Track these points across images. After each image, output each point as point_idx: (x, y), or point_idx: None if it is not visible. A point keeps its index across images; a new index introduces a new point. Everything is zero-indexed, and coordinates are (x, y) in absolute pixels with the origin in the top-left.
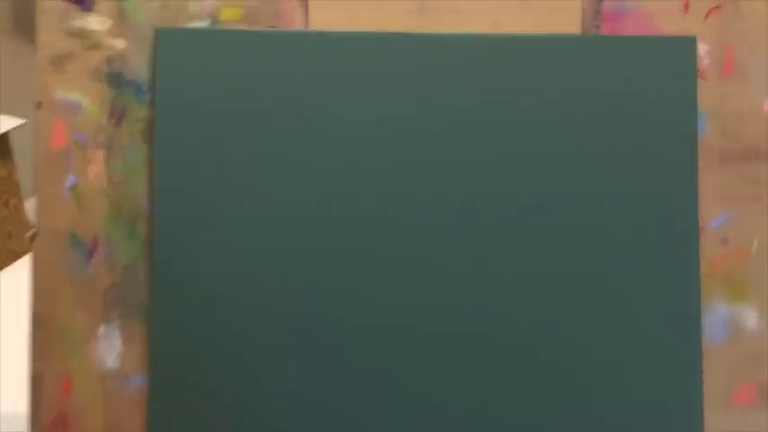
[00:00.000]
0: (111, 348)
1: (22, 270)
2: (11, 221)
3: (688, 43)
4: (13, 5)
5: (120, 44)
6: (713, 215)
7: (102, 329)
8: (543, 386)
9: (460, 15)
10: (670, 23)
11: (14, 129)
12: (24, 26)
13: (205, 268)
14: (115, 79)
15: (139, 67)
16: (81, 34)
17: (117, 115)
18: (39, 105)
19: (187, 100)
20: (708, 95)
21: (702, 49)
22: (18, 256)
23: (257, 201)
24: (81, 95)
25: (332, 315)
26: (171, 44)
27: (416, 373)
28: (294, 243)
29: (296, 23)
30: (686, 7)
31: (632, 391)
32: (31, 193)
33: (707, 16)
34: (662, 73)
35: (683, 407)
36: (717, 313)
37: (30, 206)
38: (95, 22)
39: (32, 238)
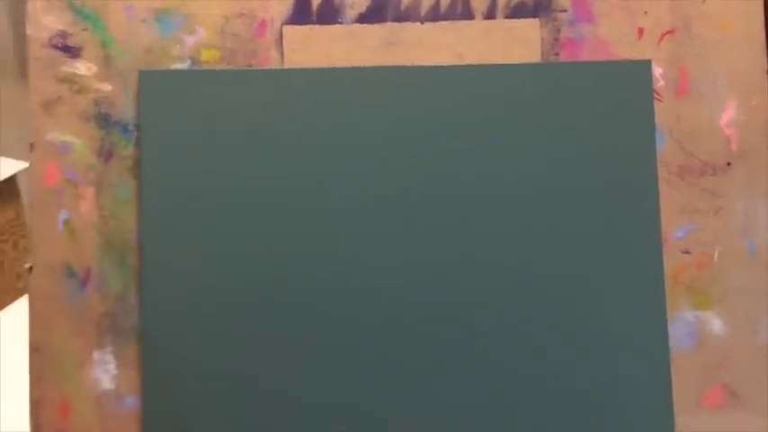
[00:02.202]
0: (105, 372)
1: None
2: (20, 262)
3: (643, 66)
4: (19, 54)
5: (106, 87)
6: (675, 227)
7: (96, 354)
8: (516, 395)
9: (425, 48)
10: (625, 49)
11: (22, 171)
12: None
13: (192, 294)
14: (103, 120)
15: (125, 108)
16: (70, 79)
17: (105, 154)
18: (31, 147)
19: (170, 137)
20: (665, 114)
21: (657, 71)
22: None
23: (239, 227)
24: (71, 136)
25: (323, 331)
26: (153, 85)
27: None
28: (275, 263)
29: (271, 62)
30: (640, 33)
31: (605, 396)
32: None
33: (660, 41)
34: (620, 95)
35: (655, 409)
36: (683, 321)
37: None
38: (83, 68)
39: (30, 270)
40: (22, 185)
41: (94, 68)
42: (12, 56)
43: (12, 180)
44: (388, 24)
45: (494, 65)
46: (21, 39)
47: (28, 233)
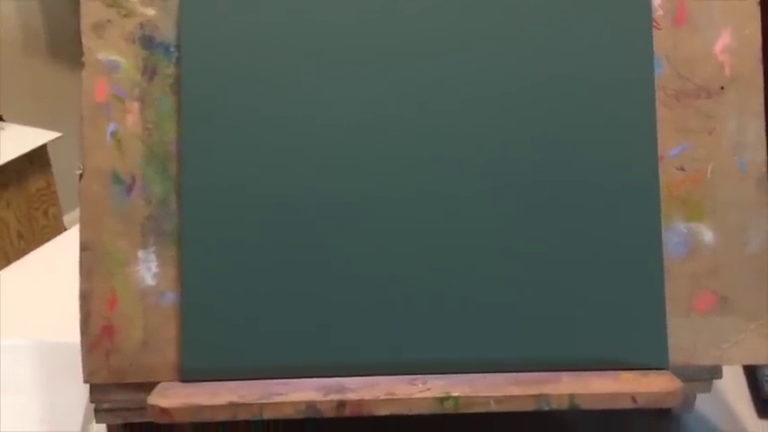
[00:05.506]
0: (148, 270)
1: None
2: (50, 230)
3: None
4: (47, 31)
5: (150, 12)
6: (671, 145)
7: (140, 253)
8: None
9: None
10: None
11: (51, 141)
12: (58, 49)
13: (228, 201)
14: (147, 42)
15: (167, 31)
16: (117, 4)
17: (149, 72)
18: (83, 64)
19: (208, 57)
20: (663, 42)
21: (656, 1)
22: None
23: (267, 137)
24: (118, 56)
25: (357, 230)
26: (192, 11)
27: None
28: (301, 165)
29: None
30: None
31: (606, 298)
32: (73, 204)
33: None
34: (622, 23)
35: (649, 313)
36: (676, 231)
37: (73, 217)
38: None
39: (80, 176)
40: (55, 150)
41: None
42: (41, 35)
43: (43, 149)
44: None
45: None
46: (51, 19)
47: (57, 202)
